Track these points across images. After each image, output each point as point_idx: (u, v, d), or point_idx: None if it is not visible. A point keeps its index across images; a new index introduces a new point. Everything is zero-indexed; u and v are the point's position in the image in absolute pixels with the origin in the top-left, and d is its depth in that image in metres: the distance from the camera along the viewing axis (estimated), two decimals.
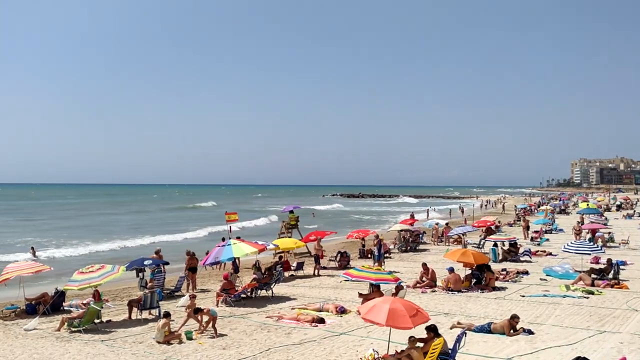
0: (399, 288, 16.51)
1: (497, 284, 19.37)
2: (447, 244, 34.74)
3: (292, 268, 24.36)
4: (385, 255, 26.15)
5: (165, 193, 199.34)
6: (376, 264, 23.76)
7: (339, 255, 27.11)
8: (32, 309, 17.28)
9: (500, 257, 25.75)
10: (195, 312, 14.03)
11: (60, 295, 17.77)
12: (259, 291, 18.97)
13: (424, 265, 20.44)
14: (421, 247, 33.69)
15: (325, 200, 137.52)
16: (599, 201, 74.35)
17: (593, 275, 19.34)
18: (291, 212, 35.99)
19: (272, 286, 19.10)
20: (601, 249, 23.60)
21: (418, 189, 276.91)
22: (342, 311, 15.74)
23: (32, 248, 33.32)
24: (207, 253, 21.93)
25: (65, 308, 17.72)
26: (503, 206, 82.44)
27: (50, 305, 17.28)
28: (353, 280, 16.40)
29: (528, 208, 64.66)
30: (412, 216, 45.78)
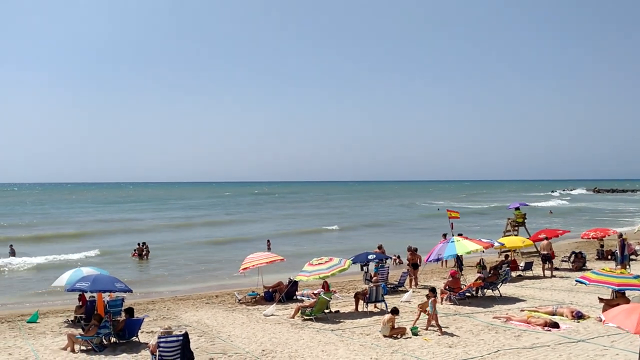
0: None
1: None
2: None
3: (520, 268, 23.08)
4: (630, 257, 23.27)
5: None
6: (619, 266, 21.24)
7: (573, 255, 24.98)
8: (269, 296, 18.99)
9: None
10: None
11: (294, 284, 19.19)
12: (485, 290, 18.30)
13: None
14: None
15: (561, 196, 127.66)
16: None
17: None
18: (517, 209, 34.00)
19: (498, 286, 18.29)
20: None
21: None
22: (579, 316, 14.33)
23: (268, 241, 36.55)
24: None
25: (297, 297, 19.12)
26: None
27: (285, 293, 18.79)
28: (590, 285, 14.82)
29: None
30: None
